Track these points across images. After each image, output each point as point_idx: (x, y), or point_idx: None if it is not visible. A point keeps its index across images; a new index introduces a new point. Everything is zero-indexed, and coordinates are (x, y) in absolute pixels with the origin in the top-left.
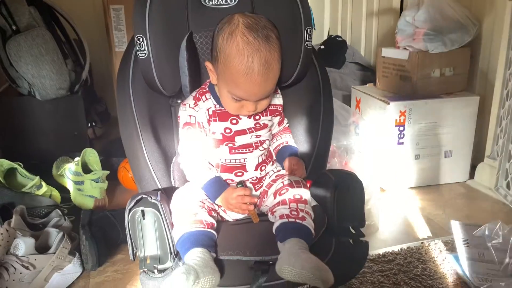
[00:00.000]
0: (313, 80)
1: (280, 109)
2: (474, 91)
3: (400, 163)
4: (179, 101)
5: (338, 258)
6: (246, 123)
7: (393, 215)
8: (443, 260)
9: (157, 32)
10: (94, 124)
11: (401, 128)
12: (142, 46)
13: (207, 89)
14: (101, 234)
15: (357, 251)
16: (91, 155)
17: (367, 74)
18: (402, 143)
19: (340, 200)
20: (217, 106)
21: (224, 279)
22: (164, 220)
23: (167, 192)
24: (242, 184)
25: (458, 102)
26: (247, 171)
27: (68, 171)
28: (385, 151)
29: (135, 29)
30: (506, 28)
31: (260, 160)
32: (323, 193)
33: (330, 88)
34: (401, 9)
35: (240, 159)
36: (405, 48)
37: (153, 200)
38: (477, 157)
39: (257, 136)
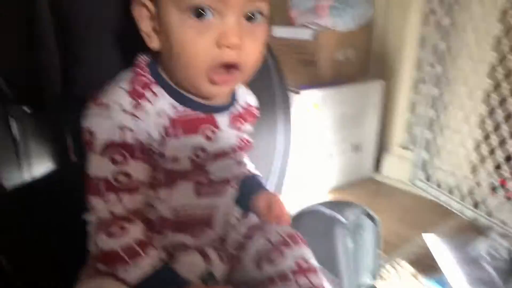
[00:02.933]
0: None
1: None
2: (371, 75)
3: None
4: (27, 109)
5: None
6: (227, 137)
7: None
8: None
9: None
10: None
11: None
12: None
13: (151, 77)
14: None
15: None
16: None
17: None
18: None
19: (354, 250)
20: (178, 105)
21: None
22: None
23: None
24: (212, 277)
25: (364, 88)
26: (212, 228)
27: None
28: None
29: None
30: (416, 3)
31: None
32: (326, 244)
33: (286, 81)
34: None
35: (208, 208)
36: (305, 26)
37: None
38: (381, 148)
39: (238, 164)
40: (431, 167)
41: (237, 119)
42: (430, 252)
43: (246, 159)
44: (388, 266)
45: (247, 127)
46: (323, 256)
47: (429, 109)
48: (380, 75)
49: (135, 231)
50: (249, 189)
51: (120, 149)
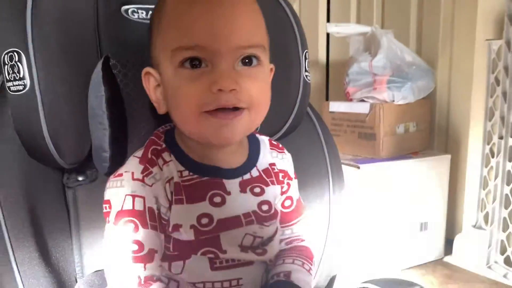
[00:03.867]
0: (308, 127)
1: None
2: (436, 149)
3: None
4: (81, 179)
5: None
6: (241, 202)
7: None
8: None
9: (50, 47)
10: None
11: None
12: (17, 71)
13: (163, 143)
14: None
15: None
16: None
17: None
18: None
19: None
20: (186, 172)
21: None
22: None
23: None
24: None
25: (428, 163)
26: None
27: None
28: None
29: None
30: (480, 74)
31: (264, 280)
32: None
33: (331, 135)
34: (327, 61)
35: (231, 282)
36: (362, 100)
37: None
38: (451, 229)
39: (260, 229)
40: (511, 250)
41: (253, 182)
42: None
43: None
44: None
45: (274, 188)
46: None
47: (503, 185)
48: (446, 149)
49: None
50: None
51: (131, 216)
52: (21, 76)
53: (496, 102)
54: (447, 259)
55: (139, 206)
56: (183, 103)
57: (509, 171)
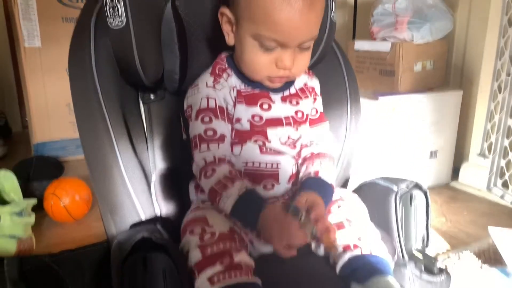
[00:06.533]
0: (334, 62)
1: (318, 95)
2: (451, 86)
3: (384, 164)
4: (153, 97)
5: None
6: (282, 109)
7: None
8: (486, 277)
9: None
10: None
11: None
12: (117, 11)
13: (226, 65)
14: None
15: (439, 285)
16: (7, 180)
17: None
18: (387, 142)
19: (406, 216)
20: (243, 85)
21: None
22: (179, 270)
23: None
24: (296, 210)
25: (442, 98)
26: (279, 183)
27: None
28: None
29: None
30: (495, 16)
31: (294, 170)
32: (381, 209)
33: (353, 70)
34: (355, 2)
35: (272, 164)
36: (384, 39)
37: (159, 240)
38: (458, 157)
39: (296, 131)
40: (509, 174)
41: (291, 97)
42: (496, 247)
43: (323, 161)
44: (453, 256)
45: (307, 101)
46: (380, 220)
47: (507, 117)
48: (459, 86)
49: (222, 171)
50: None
51: (206, 112)
52: (119, 14)
53: (507, 42)
54: (453, 184)
55: (212, 104)
56: (251, 65)
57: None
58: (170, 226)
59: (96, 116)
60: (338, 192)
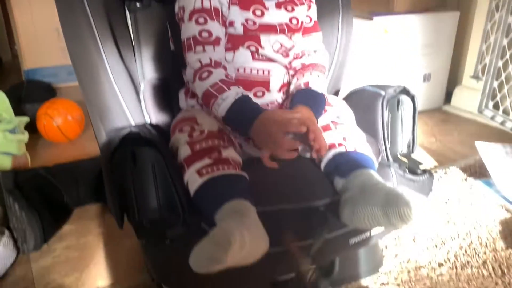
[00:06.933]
0: None
1: (313, 2)
2: (447, 6)
3: None
4: (138, 5)
5: None
6: (276, 15)
7: None
8: (470, 188)
9: None
10: None
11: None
12: None
13: None
14: (40, 199)
15: (421, 183)
16: None
17: None
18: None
19: (392, 121)
20: None
21: (271, 238)
22: (168, 163)
23: None
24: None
25: (438, 19)
26: (270, 91)
27: None
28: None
29: None
30: None
31: (286, 80)
32: (368, 113)
33: None
34: None
35: (264, 71)
36: None
37: (147, 135)
38: (452, 81)
39: (289, 39)
40: (500, 95)
41: (286, 3)
42: (482, 162)
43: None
44: (440, 172)
45: (302, 8)
46: (367, 125)
47: (503, 37)
48: (457, 7)
49: (218, 74)
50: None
51: (201, 13)
52: None
53: None
54: (445, 108)
55: (206, 4)
56: None
57: (509, 24)
58: (161, 134)
59: (81, 21)
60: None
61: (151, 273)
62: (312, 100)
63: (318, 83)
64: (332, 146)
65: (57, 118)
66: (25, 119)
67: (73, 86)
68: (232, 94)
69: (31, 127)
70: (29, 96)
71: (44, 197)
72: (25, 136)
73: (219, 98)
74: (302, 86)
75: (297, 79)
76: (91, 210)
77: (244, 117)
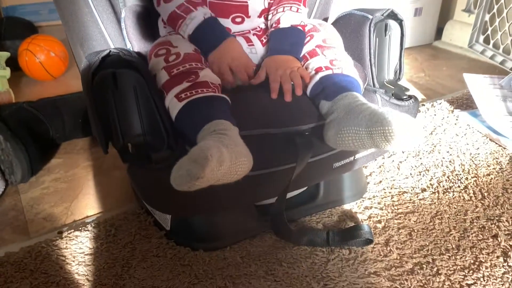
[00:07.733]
0: None
1: None
2: None
3: None
4: None
5: None
6: None
7: None
8: (456, 120)
9: None
10: None
11: None
12: None
13: None
14: (25, 133)
15: (406, 108)
16: None
17: None
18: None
19: (380, 46)
20: None
21: (255, 161)
22: (149, 86)
23: None
24: None
25: None
26: (249, 17)
27: None
28: None
29: None
30: None
31: (266, 5)
32: (355, 38)
33: None
34: None
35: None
36: None
37: (127, 57)
38: (443, 16)
39: None
40: (491, 29)
41: None
42: (469, 95)
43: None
44: (428, 105)
45: None
46: (354, 50)
47: None
48: None
49: None
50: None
51: None
52: None
53: None
54: (435, 43)
55: None
56: None
57: None
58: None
59: None
60: (312, 22)
61: (140, 201)
62: (284, 41)
63: (290, 16)
64: (319, 70)
65: (39, 54)
66: (5, 54)
67: (55, 25)
68: (200, 13)
69: (14, 65)
70: (9, 32)
71: (30, 130)
72: (7, 72)
73: (187, 18)
74: (273, 28)
75: (272, 14)
76: (78, 144)
77: (210, 38)
